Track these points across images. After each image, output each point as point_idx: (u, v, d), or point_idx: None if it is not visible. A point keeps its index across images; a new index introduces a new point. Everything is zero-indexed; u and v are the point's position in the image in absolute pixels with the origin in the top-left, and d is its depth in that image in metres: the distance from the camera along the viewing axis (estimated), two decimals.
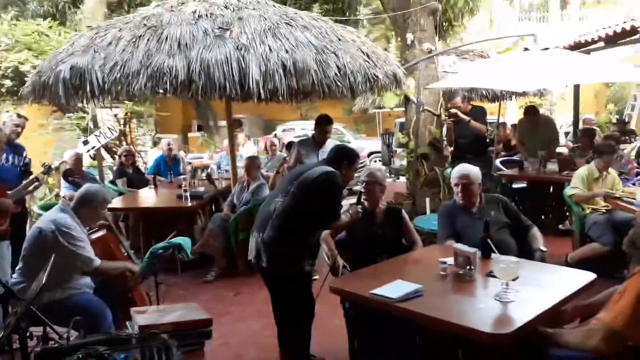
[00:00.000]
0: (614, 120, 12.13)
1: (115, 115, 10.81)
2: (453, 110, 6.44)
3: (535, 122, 7.07)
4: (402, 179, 9.29)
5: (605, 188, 4.86)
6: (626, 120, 12.08)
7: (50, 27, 10.39)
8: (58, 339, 2.36)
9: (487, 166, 6.30)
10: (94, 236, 3.52)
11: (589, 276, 2.81)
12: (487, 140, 7.03)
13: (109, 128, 7.87)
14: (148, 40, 4.77)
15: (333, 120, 5.70)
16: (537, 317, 2.33)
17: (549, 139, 6.96)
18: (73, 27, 11.01)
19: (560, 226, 6.54)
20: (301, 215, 3.13)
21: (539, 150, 6.57)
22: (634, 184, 5.33)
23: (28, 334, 2.20)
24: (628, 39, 6.75)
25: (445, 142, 7.25)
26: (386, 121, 16.52)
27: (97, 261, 3.20)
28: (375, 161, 13.08)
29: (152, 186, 6.87)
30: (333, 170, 3.23)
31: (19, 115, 5.30)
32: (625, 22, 6.58)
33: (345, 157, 3.38)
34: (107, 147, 9.38)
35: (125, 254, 3.68)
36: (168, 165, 7.69)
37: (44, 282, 2.12)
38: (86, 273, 3.21)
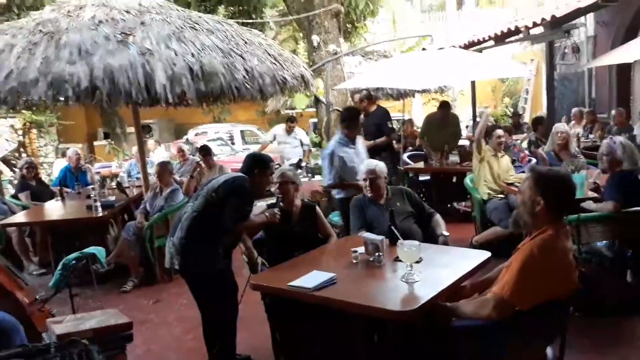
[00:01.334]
0: (509, 113, 13.08)
1: (12, 126, 10.18)
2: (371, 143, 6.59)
3: (447, 115, 7.41)
4: (318, 177, 9.49)
5: (500, 168, 5.31)
6: (520, 112, 13.09)
7: None
8: None
9: (391, 161, 6.57)
10: None
11: (484, 255, 3.09)
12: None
13: (6, 139, 7.43)
14: (45, 47, 4.61)
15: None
16: (440, 294, 2.56)
17: (454, 133, 7.42)
18: None
19: (457, 205, 6.95)
20: (209, 217, 3.22)
21: (445, 144, 6.96)
22: (523, 172, 5.84)
23: None
24: (514, 38, 7.37)
25: None
26: (300, 121, 16.73)
27: None
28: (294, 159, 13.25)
29: (59, 198, 6.57)
30: (242, 175, 3.38)
31: None
32: (510, 23, 7.19)
33: (255, 164, 3.47)
34: (5, 160, 8.82)
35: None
36: (75, 176, 7.38)
37: None
38: None
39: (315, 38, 7.51)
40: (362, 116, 5.81)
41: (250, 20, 9.68)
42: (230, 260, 3.44)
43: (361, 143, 5.23)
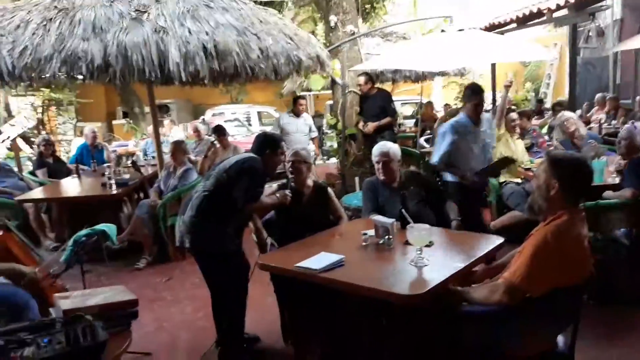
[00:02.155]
0: (530, 98, 12.85)
1: (32, 103, 10.28)
2: (369, 128, 7.01)
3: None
4: (333, 159, 9.45)
5: (516, 150, 5.22)
6: (542, 97, 12.85)
7: None
8: None
9: (391, 140, 6.63)
10: None
11: (497, 240, 3.03)
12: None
13: (25, 117, 7.51)
14: (60, 23, 4.62)
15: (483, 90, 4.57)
16: (449, 278, 2.51)
17: None
18: None
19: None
20: (220, 197, 3.21)
21: None
22: (542, 157, 5.73)
23: None
24: (536, 21, 7.18)
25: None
26: (318, 103, 16.66)
27: None
28: (309, 143, 13.21)
29: (75, 175, 6.64)
30: (254, 156, 3.35)
31: None
32: (533, 5, 6.99)
33: (266, 144, 3.44)
34: (24, 137, 8.92)
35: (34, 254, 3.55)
36: (91, 154, 7.44)
37: None
38: None
39: (332, 18, 7.38)
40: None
41: (268, 0, 9.58)
42: (241, 240, 3.42)
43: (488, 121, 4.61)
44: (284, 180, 3.90)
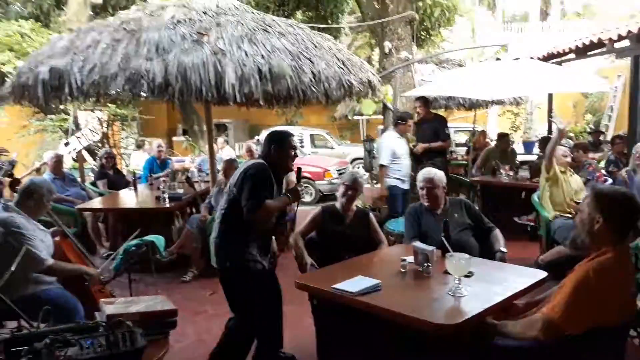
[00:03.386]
0: (589, 130, 12.42)
1: (99, 118, 10.85)
2: (419, 149, 6.82)
3: (506, 148, 7.61)
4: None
5: (570, 187, 5.05)
6: (603, 130, 12.38)
7: (33, 28, 10.43)
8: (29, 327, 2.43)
9: (443, 167, 6.51)
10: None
11: (540, 274, 2.96)
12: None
13: (90, 130, 7.92)
14: (127, 43, 4.89)
15: None
16: (486, 310, 2.47)
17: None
18: (57, 29, 11.06)
19: (517, 219, 6.70)
20: (235, 213, 3.14)
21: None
22: None
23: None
24: (596, 51, 6.98)
25: None
26: (369, 128, 16.73)
27: (49, 260, 3.17)
28: (358, 167, 13.26)
29: (132, 187, 6.94)
30: (257, 161, 3.26)
31: None
32: (594, 35, 6.81)
33: (272, 141, 3.32)
34: (89, 149, 9.42)
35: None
36: (160, 166, 7.80)
37: (12, 269, 2.21)
38: (39, 272, 3.16)
39: (387, 44, 7.48)
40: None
41: (325, 25, 9.78)
42: (269, 260, 3.36)
43: None
44: (331, 202, 3.95)
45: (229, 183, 3.31)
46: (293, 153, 3.37)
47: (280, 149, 3.28)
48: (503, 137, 7.82)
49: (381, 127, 9.89)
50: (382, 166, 6.11)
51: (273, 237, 3.47)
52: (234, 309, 3.41)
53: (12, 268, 2.32)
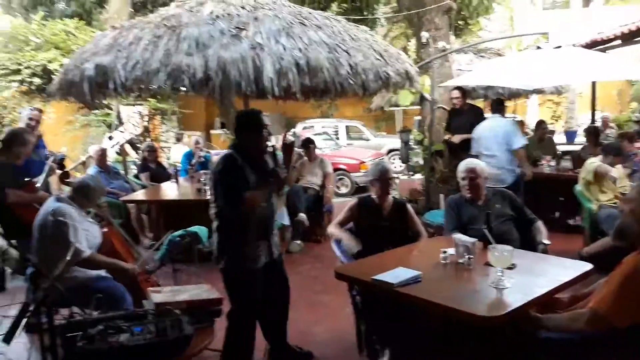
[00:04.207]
0: (634, 119, 12.00)
1: (140, 112, 11.11)
2: (455, 139, 6.66)
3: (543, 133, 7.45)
4: (418, 175, 9.37)
5: (610, 185, 4.92)
6: None
7: (77, 27, 10.75)
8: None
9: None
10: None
11: (585, 266, 2.90)
12: None
13: (132, 124, 8.14)
14: (168, 39, 5.00)
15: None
16: (530, 302, 2.44)
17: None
18: (99, 27, 11.37)
19: (570, 221, 6.57)
20: (220, 211, 3.07)
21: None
22: None
23: (55, 310, 2.39)
24: None
25: None
26: (405, 119, 16.58)
27: (87, 252, 3.23)
28: (394, 158, 13.19)
29: (174, 180, 7.10)
30: (224, 153, 3.12)
31: (32, 109, 5.44)
32: None
33: (239, 125, 3.15)
34: (131, 143, 9.66)
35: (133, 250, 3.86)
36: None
37: (68, 258, 2.32)
38: (76, 264, 3.19)
39: (424, 34, 7.38)
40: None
41: (361, 17, 9.74)
42: (264, 253, 3.22)
43: None
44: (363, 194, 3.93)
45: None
46: (265, 132, 3.14)
47: (248, 131, 3.11)
48: (539, 125, 7.61)
49: (418, 117, 9.80)
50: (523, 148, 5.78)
51: (272, 234, 3.30)
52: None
53: (68, 257, 2.42)
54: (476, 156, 6.02)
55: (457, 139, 6.66)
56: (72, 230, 3.21)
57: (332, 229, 3.70)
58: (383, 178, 3.74)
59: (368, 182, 3.83)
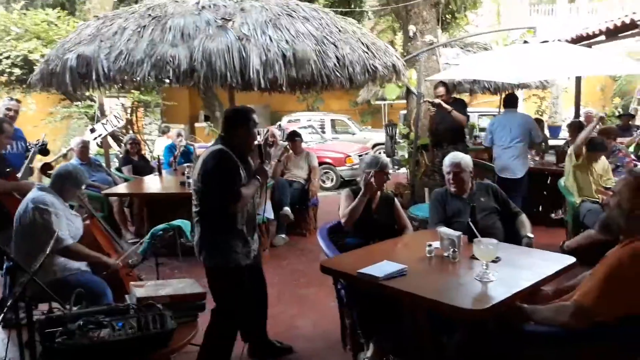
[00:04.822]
0: (617, 114, 12.14)
1: (123, 104, 10.97)
2: (437, 100, 6.52)
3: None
4: (403, 169, 9.38)
5: (595, 176, 4.97)
6: (632, 114, 12.08)
7: (59, 16, 10.56)
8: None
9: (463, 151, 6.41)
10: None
11: (568, 260, 2.91)
12: (465, 131, 7.09)
13: (115, 116, 8.01)
14: (152, 30, 4.92)
15: None
16: (514, 296, 2.44)
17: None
18: (82, 17, 11.18)
19: (552, 215, 6.65)
20: (206, 206, 3.00)
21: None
22: None
23: (33, 305, 2.34)
24: (628, 33, 6.78)
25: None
26: (391, 113, 16.61)
27: (68, 241, 3.17)
28: (380, 152, 13.21)
29: (157, 173, 7.02)
30: (213, 150, 3.02)
31: (10, 99, 5.32)
32: (626, 16, 6.61)
33: (232, 120, 3.11)
34: (113, 135, 9.54)
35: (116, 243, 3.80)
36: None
37: (47, 252, 2.26)
38: (57, 252, 3.14)
39: (411, 28, 7.37)
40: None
41: (349, 9, 9.69)
42: (252, 250, 3.21)
43: None
44: (355, 187, 3.91)
45: (192, 181, 3.11)
46: (256, 131, 3.15)
47: (241, 128, 3.08)
48: (538, 124, 7.64)
49: (404, 111, 9.83)
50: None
51: (256, 230, 3.27)
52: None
53: (47, 251, 2.36)
54: (490, 148, 6.32)
55: (437, 100, 6.58)
56: (53, 218, 3.15)
57: (347, 212, 3.64)
58: (381, 171, 3.71)
59: (363, 172, 3.75)
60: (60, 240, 3.10)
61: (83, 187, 3.58)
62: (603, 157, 5.17)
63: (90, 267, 3.44)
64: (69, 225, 3.28)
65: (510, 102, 6.32)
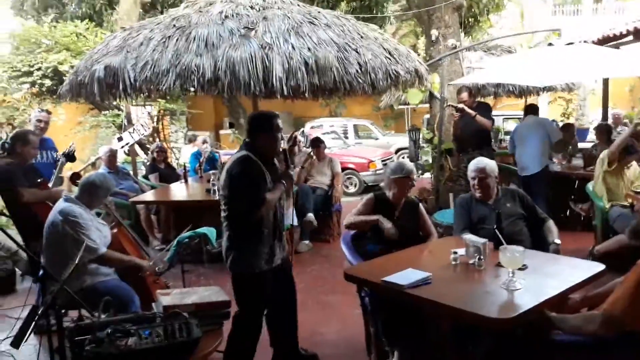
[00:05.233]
0: None
1: (149, 113, 11.14)
2: (460, 105, 6.49)
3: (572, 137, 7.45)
4: (427, 174, 9.32)
5: (626, 181, 4.86)
6: None
7: (87, 28, 10.81)
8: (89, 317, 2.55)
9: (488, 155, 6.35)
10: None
11: (597, 267, 2.85)
12: (491, 135, 7.02)
13: (142, 125, 8.16)
14: (177, 40, 4.99)
15: None
16: (542, 304, 2.40)
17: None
18: (109, 28, 11.42)
19: (571, 204, 6.50)
20: (236, 215, 3.01)
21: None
22: None
23: (63, 311, 2.39)
24: None
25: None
26: (415, 117, 16.53)
27: (102, 249, 3.26)
28: (403, 157, 13.14)
29: (184, 181, 7.11)
30: (238, 157, 3.03)
31: (41, 110, 5.45)
32: None
33: (256, 126, 3.11)
34: (140, 144, 9.70)
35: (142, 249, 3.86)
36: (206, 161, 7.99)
37: (76, 262, 2.32)
38: (92, 260, 3.24)
39: (434, 32, 7.33)
40: None
41: (370, 15, 9.68)
42: (283, 259, 3.24)
43: None
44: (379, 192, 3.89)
45: (219, 185, 3.12)
46: (280, 135, 3.14)
47: (265, 133, 3.07)
48: (569, 128, 7.52)
49: (427, 116, 9.75)
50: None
51: (283, 236, 3.28)
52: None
53: (76, 261, 2.42)
54: (512, 155, 6.63)
55: (461, 105, 6.57)
56: (82, 228, 3.22)
57: (352, 219, 3.65)
58: (406, 177, 3.69)
59: (388, 178, 3.75)
60: (93, 249, 3.18)
61: (109, 196, 3.65)
62: (634, 163, 5.05)
63: (117, 274, 3.51)
64: (98, 234, 3.35)
65: (531, 111, 6.71)
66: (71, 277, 2.89)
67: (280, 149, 3.20)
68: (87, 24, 10.99)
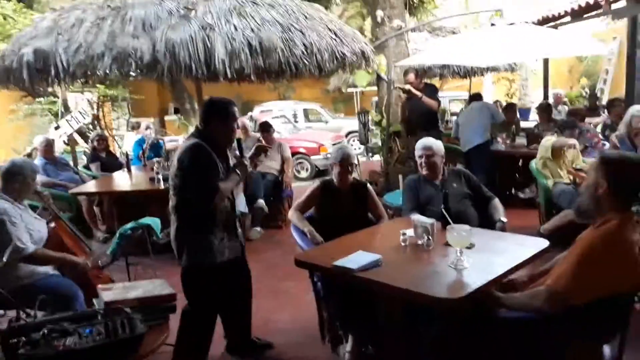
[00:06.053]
0: (585, 95, 12.35)
1: (88, 100, 10.66)
2: (407, 86, 6.53)
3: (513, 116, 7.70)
4: (377, 157, 9.39)
5: (567, 163, 5.01)
6: (598, 94, 12.30)
7: (15, 10, 10.18)
8: (26, 317, 2.39)
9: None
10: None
11: (542, 243, 2.91)
12: (437, 116, 7.13)
13: (80, 112, 7.79)
14: (112, 21, 4.77)
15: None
16: (490, 282, 2.43)
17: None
18: (40, 10, 10.79)
19: (520, 194, 6.71)
20: (185, 204, 2.92)
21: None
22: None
23: (2, 312, 2.23)
24: (592, 13, 6.86)
25: None
26: (364, 100, 16.59)
27: (30, 248, 3.05)
28: (354, 140, 13.18)
29: (126, 169, 6.84)
30: (189, 144, 2.91)
31: None
32: None
33: (211, 113, 3.00)
34: (80, 132, 9.28)
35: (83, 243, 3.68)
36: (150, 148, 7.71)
37: (5, 258, 2.15)
38: (20, 260, 3.03)
39: (379, 13, 7.31)
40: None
41: None
42: (233, 246, 3.13)
43: None
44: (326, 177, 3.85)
45: (168, 173, 3.03)
46: (235, 124, 3.06)
47: (221, 121, 2.98)
48: (511, 108, 7.69)
49: (375, 98, 9.79)
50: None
51: (237, 227, 3.19)
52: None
53: (5, 259, 2.25)
54: (458, 138, 6.91)
55: (407, 86, 6.62)
56: (8, 227, 3.00)
57: (294, 217, 3.60)
58: (344, 164, 3.65)
59: (329, 165, 3.74)
60: (20, 249, 2.98)
61: (35, 179, 3.40)
62: (571, 150, 5.19)
63: (59, 270, 3.33)
64: (29, 230, 3.14)
65: (475, 98, 7.24)
66: (3, 274, 2.72)
67: (235, 139, 3.11)
68: (15, 5, 10.35)
